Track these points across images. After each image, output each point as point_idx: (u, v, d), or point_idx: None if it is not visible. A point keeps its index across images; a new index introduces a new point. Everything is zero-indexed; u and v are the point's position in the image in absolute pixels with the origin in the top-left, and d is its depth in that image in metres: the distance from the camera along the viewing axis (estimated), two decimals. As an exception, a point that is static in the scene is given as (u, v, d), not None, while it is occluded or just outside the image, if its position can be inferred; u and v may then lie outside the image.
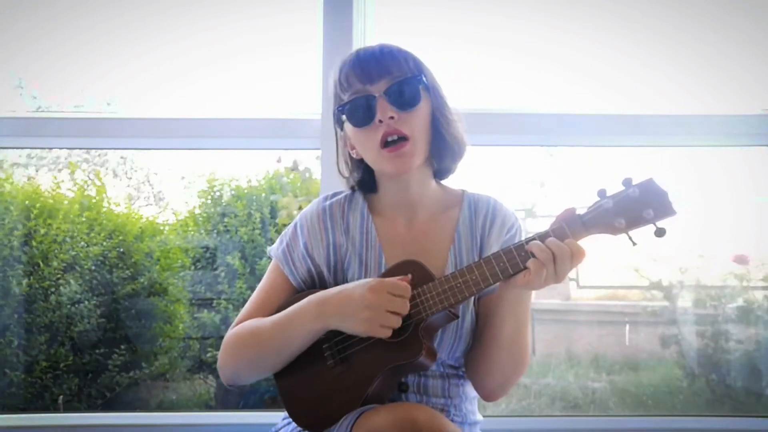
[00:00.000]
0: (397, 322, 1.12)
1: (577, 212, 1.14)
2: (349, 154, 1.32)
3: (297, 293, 1.31)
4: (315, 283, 1.33)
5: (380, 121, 1.21)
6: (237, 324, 1.30)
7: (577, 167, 2.52)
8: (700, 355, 2.53)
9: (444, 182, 1.38)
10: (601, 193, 1.13)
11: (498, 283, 1.17)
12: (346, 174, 1.36)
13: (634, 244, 1.12)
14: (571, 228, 1.13)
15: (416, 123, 1.23)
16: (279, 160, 2.60)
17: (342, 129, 1.30)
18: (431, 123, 1.26)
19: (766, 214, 2.27)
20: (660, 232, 1.09)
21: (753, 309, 2.48)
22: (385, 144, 1.22)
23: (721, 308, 2.52)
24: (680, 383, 2.60)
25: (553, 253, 1.10)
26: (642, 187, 1.10)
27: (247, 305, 1.33)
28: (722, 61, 2.26)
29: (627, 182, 1.11)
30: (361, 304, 1.13)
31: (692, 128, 1.89)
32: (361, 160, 1.31)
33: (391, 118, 1.20)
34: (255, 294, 1.35)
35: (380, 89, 1.21)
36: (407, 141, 1.22)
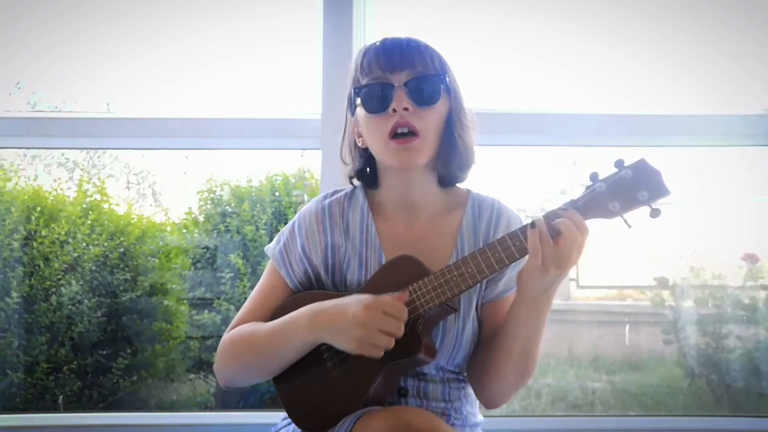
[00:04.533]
0: (388, 343, 1.08)
1: (571, 198, 1.12)
2: (355, 142, 1.29)
3: (295, 294, 1.30)
4: (312, 284, 1.31)
5: (394, 111, 1.18)
6: (234, 327, 1.29)
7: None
8: (701, 354, 2.53)
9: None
10: (594, 177, 1.10)
11: (503, 292, 1.19)
12: (348, 161, 1.32)
13: (630, 227, 1.09)
14: (564, 214, 1.10)
15: (429, 121, 1.21)
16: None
17: (353, 114, 1.28)
18: (445, 125, 1.24)
19: (766, 215, 2.27)
20: (655, 213, 1.07)
21: (754, 309, 2.48)
22: (394, 135, 1.20)
23: (723, 308, 2.52)
24: (681, 383, 2.60)
25: (541, 233, 1.08)
26: (634, 168, 1.08)
27: (244, 307, 1.32)
28: (722, 61, 2.26)
29: (619, 164, 1.09)
30: (354, 321, 1.09)
31: (692, 128, 1.89)
32: (366, 150, 1.29)
33: (405, 109, 1.18)
34: (252, 296, 1.33)
35: (401, 80, 1.19)
36: (417, 137, 1.20)
